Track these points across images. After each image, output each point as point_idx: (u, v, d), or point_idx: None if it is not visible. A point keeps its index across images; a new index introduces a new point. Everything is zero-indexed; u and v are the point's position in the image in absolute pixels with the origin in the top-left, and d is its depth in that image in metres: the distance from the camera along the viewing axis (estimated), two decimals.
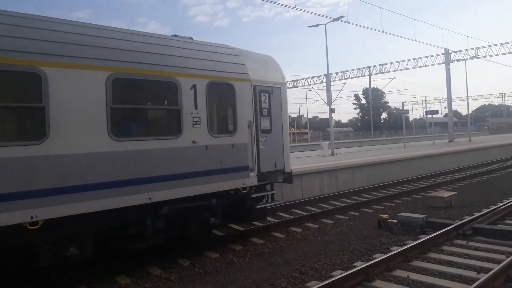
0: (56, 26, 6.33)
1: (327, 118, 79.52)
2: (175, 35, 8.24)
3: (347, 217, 11.30)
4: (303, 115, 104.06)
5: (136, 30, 7.66)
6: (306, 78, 54.11)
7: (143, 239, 7.17)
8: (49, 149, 5.81)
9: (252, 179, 8.50)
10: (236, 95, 8.28)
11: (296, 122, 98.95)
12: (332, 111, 28.77)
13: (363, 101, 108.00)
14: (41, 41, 5.96)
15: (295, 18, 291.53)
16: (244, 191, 8.43)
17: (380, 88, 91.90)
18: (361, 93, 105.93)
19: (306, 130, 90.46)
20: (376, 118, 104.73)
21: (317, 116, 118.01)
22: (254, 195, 8.67)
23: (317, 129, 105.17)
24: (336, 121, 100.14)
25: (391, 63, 47.45)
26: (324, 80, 45.11)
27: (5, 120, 5.87)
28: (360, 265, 6.84)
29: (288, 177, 9.55)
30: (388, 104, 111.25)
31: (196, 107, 7.56)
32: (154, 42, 7.43)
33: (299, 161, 20.28)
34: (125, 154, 6.56)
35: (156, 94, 7.52)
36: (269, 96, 9.02)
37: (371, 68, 50.23)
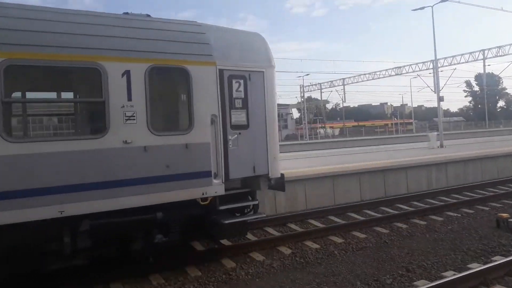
0: None
1: (434, 107, 73.99)
2: (126, 13, 6.82)
3: (459, 215, 10.38)
4: (406, 105, 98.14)
5: (52, 7, 6.22)
6: (410, 65, 50.68)
7: (62, 258, 5.97)
8: None
9: (216, 188, 6.71)
10: (192, 83, 6.53)
11: (400, 112, 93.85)
12: (440, 99, 26.71)
13: (476, 88, 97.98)
14: None
15: (396, 2, 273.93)
16: (204, 203, 6.72)
17: (496, 73, 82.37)
18: (473, 79, 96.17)
19: (411, 120, 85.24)
20: (492, 106, 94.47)
21: (422, 105, 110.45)
22: (223, 207, 6.90)
23: (423, 119, 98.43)
24: (444, 110, 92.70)
25: (510, 44, 42.03)
26: (431, 67, 41.86)
27: None
28: (476, 267, 6.28)
29: (277, 184, 7.61)
30: (506, 91, 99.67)
31: (130, 99, 6.01)
32: (71, 20, 5.92)
33: (402, 153, 19.19)
34: (24, 159, 5.30)
35: (70, 84, 6.26)
36: (244, 83, 7.11)
37: (486, 52, 45.06)
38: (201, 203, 6.70)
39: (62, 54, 5.59)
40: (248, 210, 7.47)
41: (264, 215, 8.23)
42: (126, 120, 5.99)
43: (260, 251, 7.87)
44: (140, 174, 6.04)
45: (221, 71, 6.87)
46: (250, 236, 8.76)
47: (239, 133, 7.07)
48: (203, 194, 6.61)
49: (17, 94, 6.07)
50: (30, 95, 6.60)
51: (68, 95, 6.49)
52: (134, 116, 6.04)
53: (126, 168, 5.94)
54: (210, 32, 7.11)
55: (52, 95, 6.65)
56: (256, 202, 7.45)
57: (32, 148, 5.36)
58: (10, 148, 5.20)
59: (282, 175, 7.76)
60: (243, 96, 7.10)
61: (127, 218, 6.09)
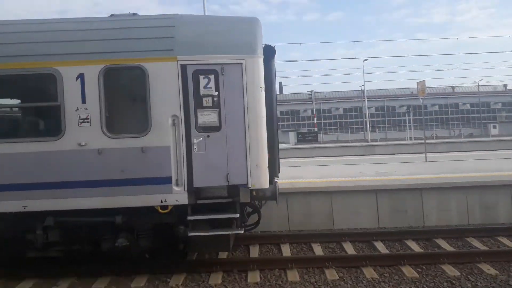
0: None
1: None
2: (113, 15, 6.97)
3: None
4: None
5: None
6: None
7: (37, 248, 6.50)
8: None
9: (177, 196, 6.18)
10: (149, 81, 6.15)
11: None
12: None
13: None
14: None
15: None
16: (164, 211, 6.31)
17: None
18: None
19: None
20: None
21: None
22: (191, 217, 6.25)
23: None
24: None
25: None
26: None
27: None
28: None
29: (260, 196, 6.52)
30: None
31: (84, 101, 6.05)
32: (26, 30, 6.36)
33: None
34: None
35: (28, 90, 6.52)
36: (216, 78, 6.25)
37: None
38: (161, 211, 6.33)
39: (20, 63, 6.11)
40: (238, 223, 6.45)
41: (242, 232, 6.70)
42: (81, 122, 6.09)
43: (490, 263, 6.88)
44: (95, 177, 6.14)
45: (183, 67, 6.20)
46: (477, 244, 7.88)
47: (208, 136, 6.25)
48: (161, 201, 6.20)
49: None
50: None
51: (28, 99, 6.78)
52: (88, 119, 6.10)
53: (81, 170, 6.11)
54: (181, 25, 6.50)
55: (14, 101, 7.04)
56: (236, 216, 6.32)
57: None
58: None
59: (274, 185, 6.68)
60: (214, 94, 6.25)
61: (87, 218, 6.34)
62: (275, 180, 6.90)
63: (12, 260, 7.06)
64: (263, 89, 6.47)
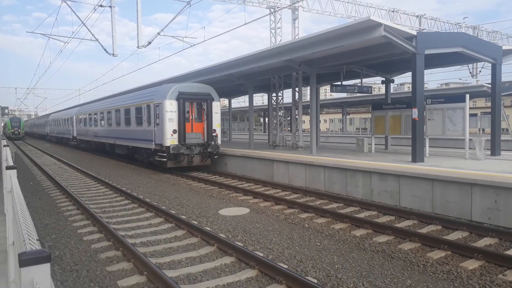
0: None
1: None
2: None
3: None
4: None
5: None
6: None
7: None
8: None
9: (152, 146, 18.22)
10: (153, 108, 19.29)
11: None
12: None
13: None
14: None
15: None
16: (150, 150, 19.24)
17: None
18: None
19: None
20: None
21: None
22: (155, 156, 18.34)
23: None
24: None
25: None
26: None
27: None
28: None
29: (163, 148, 18.71)
30: None
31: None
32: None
33: None
34: None
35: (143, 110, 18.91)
36: (154, 108, 21.27)
37: None
38: (148, 150, 19.39)
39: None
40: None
41: (166, 160, 17.24)
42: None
43: None
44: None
45: (155, 105, 18.15)
46: None
47: (157, 124, 18.06)
48: (149, 147, 18.68)
49: None
50: None
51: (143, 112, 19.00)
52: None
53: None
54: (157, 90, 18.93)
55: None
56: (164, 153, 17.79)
57: None
58: None
59: (176, 144, 17.02)
60: (157, 113, 18.29)
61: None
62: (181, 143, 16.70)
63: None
64: (169, 111, 16.54)
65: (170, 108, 16.18)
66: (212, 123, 17.25)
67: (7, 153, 8.57)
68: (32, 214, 9.16)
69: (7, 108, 49.47)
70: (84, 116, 30.75)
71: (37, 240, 1.99)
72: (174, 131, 16.30)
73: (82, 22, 18.98)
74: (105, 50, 19.43)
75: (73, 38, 22.46)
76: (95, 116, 27.30)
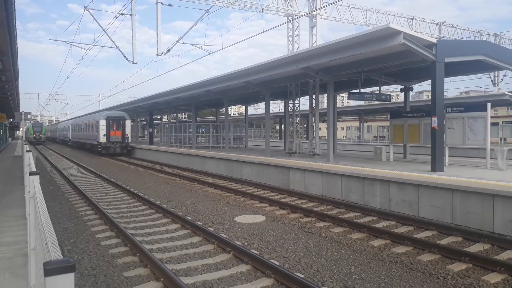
0: None
1: None
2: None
3: None
4: None
5: None
6: None
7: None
8: None
9: (99, 141, 33.75)
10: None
11: None
12: None
13: None
14: None
15: None
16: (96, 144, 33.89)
17: None
18: None
19: None
20: None
21: None
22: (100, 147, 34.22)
23: None
24: None
25: None
26: None
27: None
28: None
29: (101, 143, 29.34)
30: None
31: None
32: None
33: None
34: None
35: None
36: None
37: None
38: (96, 144, 35.69)
39: None
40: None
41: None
42: None
43: None
44: None
45: (107, 119, 34.65)
46: None
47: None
48: (96, 142, 34.58)
49: None
50: None
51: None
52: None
53: None
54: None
55: None
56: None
57: None
58: None
59: (107, 141, 33.72)
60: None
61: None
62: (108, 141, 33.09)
63: None
64: (102, 125, 33.30)
65: (103, 124, 32.84)
66: (125, 132, 33.67)
67: (30, 158, 8.75)
68: (52, 218, 9.33)
69: (29, 113, 50.87)
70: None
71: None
72: (104, 135, 32.73)
73: (104, 30, 19.42)
74: (125, 57, 19.81)
75: (94, 45, 23.04)
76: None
